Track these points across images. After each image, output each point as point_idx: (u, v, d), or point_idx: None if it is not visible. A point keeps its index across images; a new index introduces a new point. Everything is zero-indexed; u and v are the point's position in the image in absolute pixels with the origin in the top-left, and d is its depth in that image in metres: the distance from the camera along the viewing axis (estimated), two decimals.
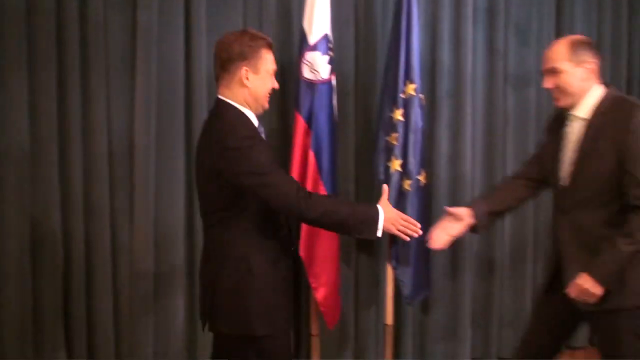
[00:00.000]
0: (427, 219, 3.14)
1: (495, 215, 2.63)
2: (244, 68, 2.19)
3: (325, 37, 3.02)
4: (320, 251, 3.12)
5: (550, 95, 2.43)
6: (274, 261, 2.25)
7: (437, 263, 3.50)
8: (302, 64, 3.03)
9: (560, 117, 2.49)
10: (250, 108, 2.25)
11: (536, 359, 2.59)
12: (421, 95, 3.17)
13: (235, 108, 2.22)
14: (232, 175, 2.13)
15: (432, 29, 3.46)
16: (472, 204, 2.61)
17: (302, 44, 3.04)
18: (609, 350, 2.37)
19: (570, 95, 2.38)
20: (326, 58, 3.02)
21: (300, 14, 3.09)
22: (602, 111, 2.35)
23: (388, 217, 2.23)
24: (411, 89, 3.11)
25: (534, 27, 3.65)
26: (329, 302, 3.18)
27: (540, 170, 2.59)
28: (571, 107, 2.40)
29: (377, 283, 3.44)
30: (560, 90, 2.39)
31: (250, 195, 2.16)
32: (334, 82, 3.11)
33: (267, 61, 2.25)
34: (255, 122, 2.26)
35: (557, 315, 2.53)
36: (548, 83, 2.41)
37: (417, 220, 2.31)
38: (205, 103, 3.10)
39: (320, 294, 3.14)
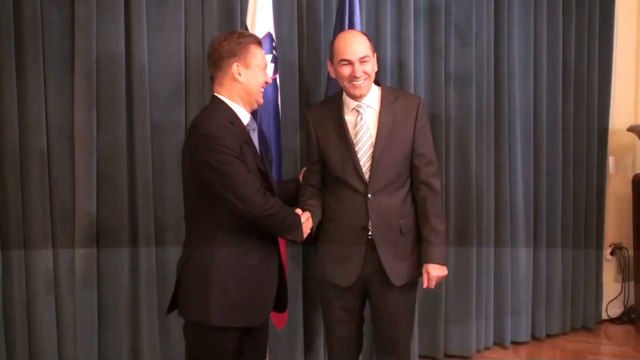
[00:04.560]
0: None
1: None
2: (235, 64, 2.28)
3: (269, 35, 2.99)
4: None
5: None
6: (242, 254, 2.30)
7: None
8: None
9: (325, 110, 2.63)
10: (244, 104, 2.34)
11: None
12: None
13: (224, 103, 2.30)
14: (199, 162, 2.20)
15: (375, 28, 3.48)
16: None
17: None
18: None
19: (371, 85, 2.55)
20: (270, 57, 2.99)
21: (243, 12, 3.07)
22: (389, 101, 2.56)
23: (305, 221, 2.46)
24: None
25: (474, 27, 3.72)
26: None
27: (320, 178, 2.68)
28: (362, 97, 2.56)
29: None
30: (369, 79, 2.53)
31: (211, 188, 2.22)
32: (278, 81, 3.09)
33: (257, 56, 2.34)
34: (246, 119, 2.33)
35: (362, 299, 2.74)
36: (359, 71, 2.49)
37: None
38: (147, 98, 3.03)
39: None
